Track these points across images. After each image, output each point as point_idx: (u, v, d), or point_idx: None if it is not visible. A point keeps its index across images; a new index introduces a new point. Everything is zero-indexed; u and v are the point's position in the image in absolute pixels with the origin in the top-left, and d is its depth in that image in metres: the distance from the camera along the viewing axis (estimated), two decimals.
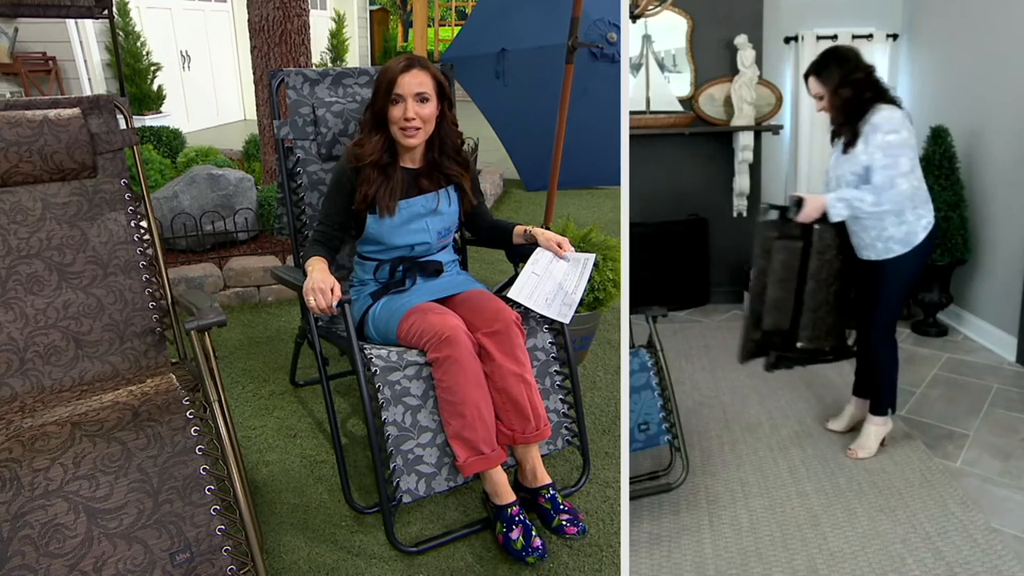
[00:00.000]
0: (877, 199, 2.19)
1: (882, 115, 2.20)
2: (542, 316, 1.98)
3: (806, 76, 2.39)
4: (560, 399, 2.05)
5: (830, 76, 2.29)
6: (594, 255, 2.03)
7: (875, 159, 2.20)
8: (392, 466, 1.81)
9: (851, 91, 2.26)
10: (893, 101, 2.26)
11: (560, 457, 2.26)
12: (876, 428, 2.47)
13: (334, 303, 1.77)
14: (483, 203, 2.18)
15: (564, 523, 1.88)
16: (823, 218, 2.27)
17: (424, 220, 2.00)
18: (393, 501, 1.81)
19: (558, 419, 2.04)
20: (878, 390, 2.46)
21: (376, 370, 1.82)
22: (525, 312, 1.98)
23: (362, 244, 2.07)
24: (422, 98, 1.87)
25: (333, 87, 2.26)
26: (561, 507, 1.90)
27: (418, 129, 1.90)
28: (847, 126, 2.29)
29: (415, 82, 1.86)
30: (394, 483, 1.80)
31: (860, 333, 2.46)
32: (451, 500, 2.07)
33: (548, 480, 1.93)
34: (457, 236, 2.34)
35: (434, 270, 2.07)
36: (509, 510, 1.84)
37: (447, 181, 2.05)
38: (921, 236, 2.28)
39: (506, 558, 1.84)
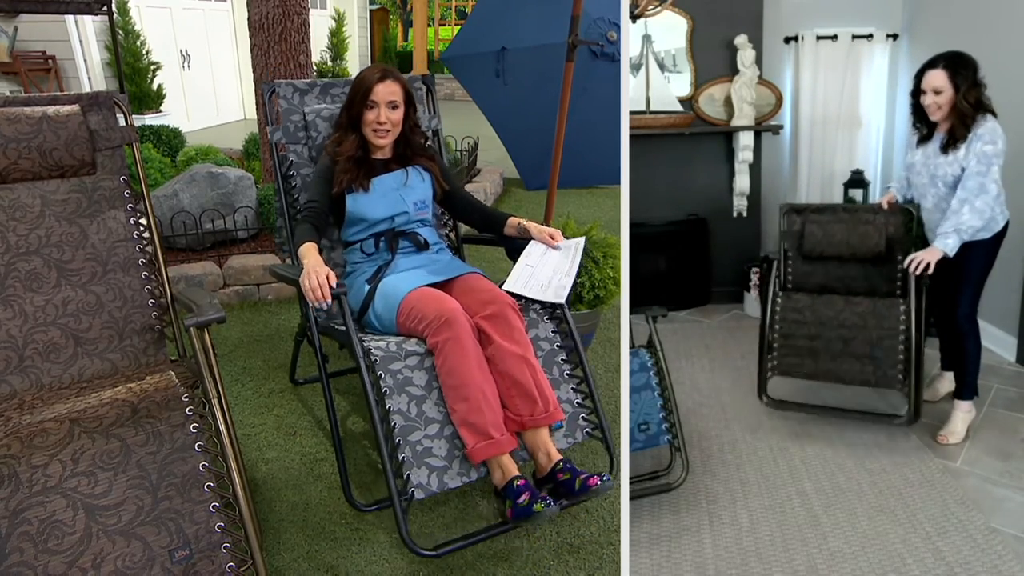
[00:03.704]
0: (974, 210, 2.35)
1: (986, 127, 2.37)
2: (540, 305, 2.04)
3: (928, 67, 2.44)
4: (572, 388, 2.01)
5: (965, 77, 2.38)
6: (583, 238, 2.10)
7: (970, 164, 2.38)
8: (400, 458, 1.75)
9: (976, 96, 2.39)
10: (993, 111, 2.41)
11: (578, 450, 2.22)
12: (963, 414, 2.55)
13: (330, 292, 1.80)
14: (463, 188, 2.38)
15: (587, 481, 1.76)
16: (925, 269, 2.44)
17: (398, 192, 2.17)
18: (404, 496, 1.73)
19: (573, 410, 1.99)
20: (963, 374, 2.54)
21: (376, 359, 1.82)
22: (525, 304, 2.02)
23: (347, 229, 2.19)
24: (393, 105, 2.13)
25: (321, 96, 2.39)
26: (580, 471, 1.80)
27: (388, 131, 2.15)
28: (962, 130, 2.41)
29: (388, 91, 2.11)
30: (404, 476, 1.73)
31: (946, 317, 2.58)
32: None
33: (560, 456, 1.86)
34: (452, 235, 2.47)
35: (418, 240, 2.19)
36: (516, 482, 1.76)
37: (414, 164, 2.25)
38: (1000, 224, 2.44)
39: (506, 556, 1.84)
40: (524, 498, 1.72)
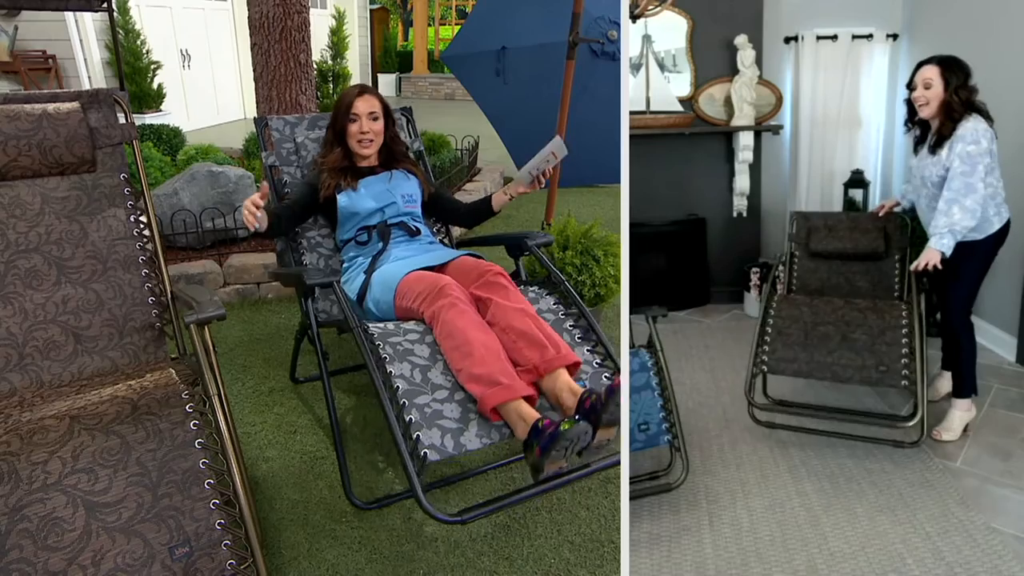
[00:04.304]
0: (965, 209, 2.34)
1: (967, 126, 2.37)
2: (539, 285, 2.21)
3: (922, 64, 2.47)
4: (587, 350, 2.00)
5: (956, 75, 2.41)
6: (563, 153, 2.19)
7: (954, 165, 2.38)
8: (408, 419, 1.66)
9: (967, 95, 2.41)
10: (981, 111, 2.41)
11: None
12: (961, 413, 2.56)
13: (259, 201, 1.96)
14: (447, 192, 2.56)
15: (610, 387, 1.67)
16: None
17: (385, 187, 2.34)
18: (417, 457, 1.61)
19: (594, 370, 1.94)
20: (960, 373, 2.55)
21: (375, 334, 1.84)
22: (524, 288, 2.15)
23: (341, 228, 2.34)
24: (373, 116, 2.34)
25: (310, 128, 2.59)
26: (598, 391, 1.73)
27: (372, 140, 2.35)
28: (948, 125, 2.42)
29: (368, 105, 2.33)
30: (413, 437, 1.63)
31: (941, 316, 2.62)
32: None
33: (582, 389, 1.77)
34: (447, 241, 2.59)
35: (409, 228, 2.32)
36: (540, 423, 1.65)
37: (397, 168, 2.43)
38: (996, 226, 2.45)
39: (508, 554, 1.84)
40: (551, 430, 1.60)
